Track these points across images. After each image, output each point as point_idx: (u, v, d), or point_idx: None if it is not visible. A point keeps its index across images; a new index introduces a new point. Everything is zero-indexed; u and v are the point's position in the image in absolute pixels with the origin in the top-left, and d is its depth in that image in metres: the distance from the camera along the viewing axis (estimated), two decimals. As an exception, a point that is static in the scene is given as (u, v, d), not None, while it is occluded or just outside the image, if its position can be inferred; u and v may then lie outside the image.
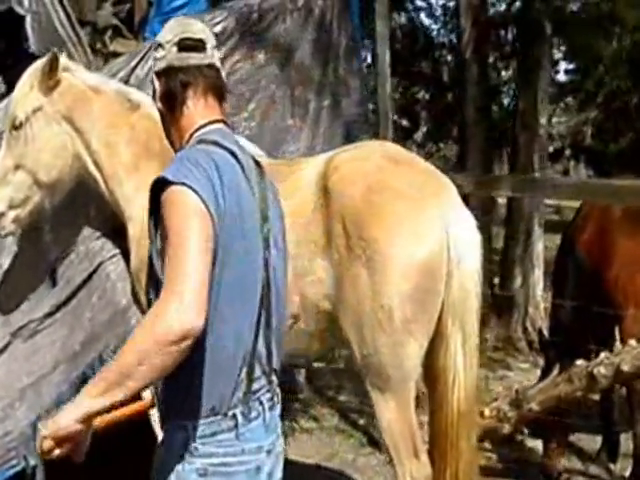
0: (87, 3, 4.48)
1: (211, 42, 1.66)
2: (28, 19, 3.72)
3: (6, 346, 2.91)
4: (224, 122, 1.67)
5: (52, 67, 2.67)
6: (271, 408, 1.60)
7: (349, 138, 3.77)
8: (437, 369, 2.41)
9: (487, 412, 3.82)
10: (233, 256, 1.48)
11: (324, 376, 5.58)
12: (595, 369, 3.42)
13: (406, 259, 2.30)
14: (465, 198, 6.37)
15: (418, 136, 13.34)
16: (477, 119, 6.83)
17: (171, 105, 1.63)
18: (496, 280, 7.36)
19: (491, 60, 9.63)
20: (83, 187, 2.93)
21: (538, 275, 6.86)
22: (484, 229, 7.07)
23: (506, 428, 3.79)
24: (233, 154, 1.57)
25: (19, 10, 3.72)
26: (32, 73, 2.70)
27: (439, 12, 11.05)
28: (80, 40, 3.88)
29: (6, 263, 3.04)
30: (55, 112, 2.71)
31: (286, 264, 1.71)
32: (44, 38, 3.74)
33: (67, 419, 1.36)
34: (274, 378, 1.64)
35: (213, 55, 1.66)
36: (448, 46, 10.90)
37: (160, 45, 1.64)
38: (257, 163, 1.69)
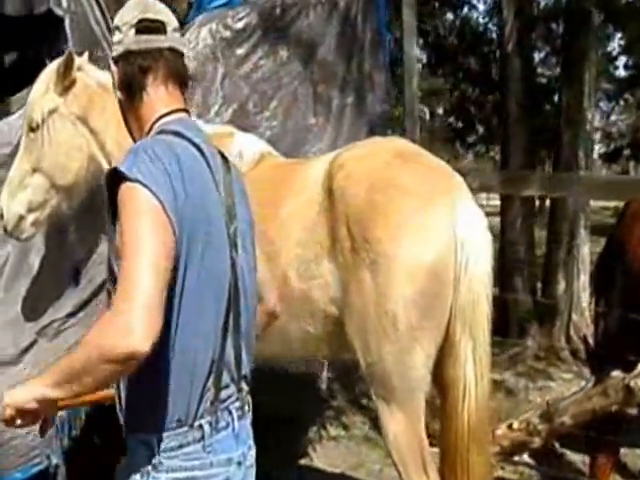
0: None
1: (173, 24, 1.54)
2: (67, 20, 3.75)
3: (32, 345, 2.91)
4: (186, 111, 1.56)
5: (67, 67, 2.64)
6: (241, 417, 1.51)
7: (373, 136, 3.64)
8: (447, 379, 2.26)
9: (516, 425, 3.66)
10: (196, 256, 1.39)
11: (360, 383, 5.47)
12: (632, 381, 3.21)
13: (411, 262, 2.16)
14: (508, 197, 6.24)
15: (471, 137, 13.04)
16: (520, 117, 6.57)
17: (129, 92, 1.52)
18: (538, 285, 7.09)
19: (536, 55, 9.27)
20: (100, 189, 2.91)
21: (584, 280, 6.56)
22: (526, 231, 6.90)
23: (536, 442, 3.61)
24: (197, 146, 1.46)
25: (58, 11, 3.74)
26: (48, 74, 2.68)
27: (483, 6, 10.72)
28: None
29: (35, 262, 3.05)
30: (70, 113, 2.69)
31: (254, 264, 1.60)
32: (81, 38, 3.77)
33: (25, 395, 1.34)
34: (244, 385, 1.55)
35: (175, 38, 1.54)
36: (496, 41, 10.58)
37: (117, 28, 1.53)
38: (223, 157, 1.58)
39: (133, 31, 1.49)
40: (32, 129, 2.61)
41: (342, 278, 2.28)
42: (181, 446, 1.40)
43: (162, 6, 1.57)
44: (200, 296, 1.39)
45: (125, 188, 1.33)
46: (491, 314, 2.27)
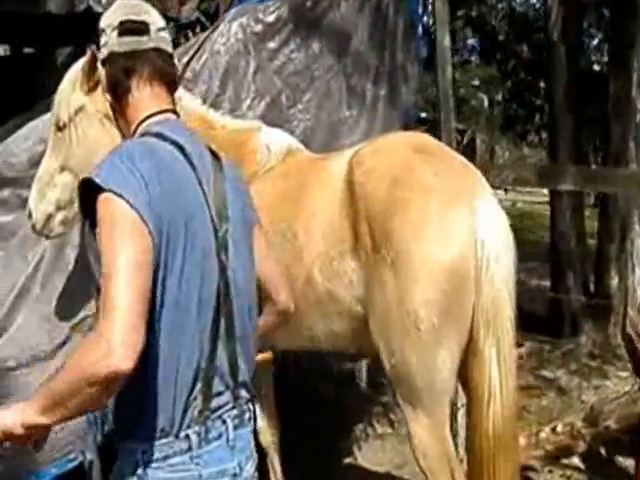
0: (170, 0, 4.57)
1: (157, 24, 1.52)
2: None
3: (66, 341, 2.98)
4: (174, 112, 1.54)
5: (91, 66, 2.67)
6: (238, 426, 1.46)
7: (407, 128, 3.57)
8: (471, 381, 2.18)
9: (560, 428, 3.52)
10: (177, 261, 1.35)
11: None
12: (680, 385, 3.03)
13: (432, 261, 2.10)
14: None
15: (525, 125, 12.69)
16: (568, 106, 6.33)
17: (116, 95, 1.52)
18: (592, 279, 6.83)
19: (588, 42, 8.92)
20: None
21: (639, 275, 6.26)
22: (577, 223, 6.65)
23: (581, 446, 3.46)
24: (179, 147, 1.43)
25: (97, 8, 3.83)
26: (73, 74, 2.71)
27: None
28: None
29: (71, 258, 3.12)
30: (97, 111, 2.67)
31: (251, 266, 1.56)
32: None
33: (12, 421, 1.30)
34: (244, 393, 1.50)
35: (160, 38, 1.52)
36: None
37: (103, 30, 1.53)
38: (215, 155, 1.55)
39: (116, 33, 1.49)
40: (59, 128, 2.64)
41: (365, 276, 2.24)
42: (166, 457, 1.35)
43: (147, 6, 1.56)
44: (182, 301, 1.36)
45: (101, 199, 1.31)
46: (514, 313, 2.17)
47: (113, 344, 1.19)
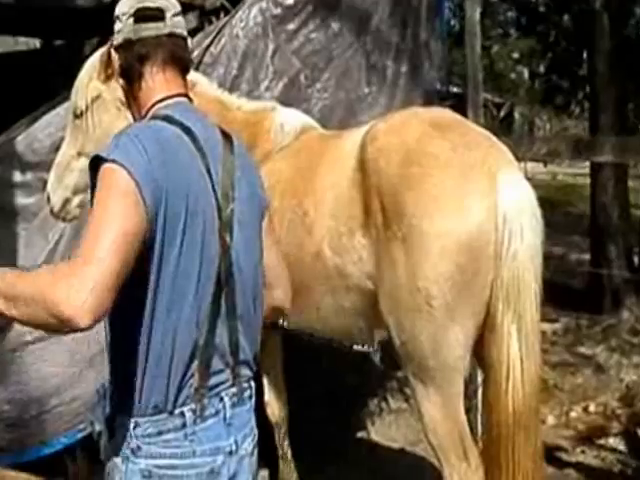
0: None
1: (172, 10, 1.54)
2: None
3: None
4: (186, 95, 1.55)
5: (109, 56, 2.70)
6: (236, 404, 1.46)
7: (430, 104, 3.50)
8: (490, 359, 2.12)
9: (593, 407, 3.44)
10: (176, 239, 1.36)
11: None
12: None
13: (446, 237, 2.04)
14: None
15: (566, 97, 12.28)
16: (609, 76, 6.09)
17: (129, 80, 1.54)
18: (635, 251, 6.61)
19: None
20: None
21: (683, 248, 6.04)
22: (620, 195, 6.42)
23: (615, 427, 3.37)
24: (186, 129, 1.44)
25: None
26: (91, 64, 2.75)
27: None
28: None
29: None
30: (114, 99, 2.72)
31: (258, 247, 1.56)
32: None
33: None
34: (245, 371, 1.50)
35: (175, 24, 1.53)
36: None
37: (117, 18, 1.55)
38: (227, 138, 1.56)
39: (132, 20, 1.51)
40: (77, 116, 2.70)
41: (375, 253, 2.21)
42: (160, 433, 1.37)
43: None
44: (180, 278, 1.36)
45: (103, 169, 1.33)
46: (540, 290, 2.10)
47: (84, 291, 1.18)
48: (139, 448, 1.37)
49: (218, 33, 3.56)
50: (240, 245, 1.48)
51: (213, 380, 1.42)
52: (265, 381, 3.01)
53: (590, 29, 6.49)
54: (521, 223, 2.05)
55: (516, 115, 26.26)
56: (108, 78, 2.70)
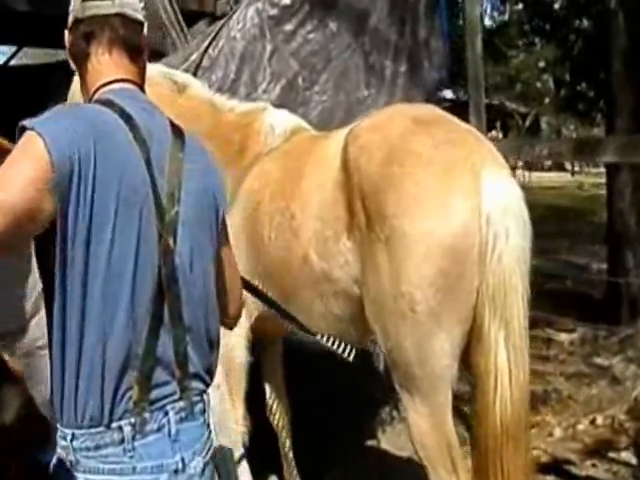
0: None
1: None
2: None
3: None
4: (132, 82, 1.45)
5: None
6: (184, 419, 1.36)
7: (430, 103, 3.42)
8: (477, 369, 2.00)
9: (600, 420, 3.30)
10: (105, 239, 1.25)
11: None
12: None
13: (429, 239, 1.94)
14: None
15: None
16: (625, 76, 5.94)
17: (77, 61, 1.46)
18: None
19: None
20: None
21: None
22: (638, 203, 6.24)
23: (623, 441, 3.22)
24: (127, 116, 1.34)
25: None
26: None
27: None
28: (181, 26, 3.99)
29: None
30: None
31: (211, 253, 1.45)
32: (151, 27, 3.90)
33: None
34: (195, 384, 1.39)
35: (126, 3, 1.44)
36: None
37: None
38: (178, 133, 1.45)
39: None
40: None
41: (361, 256, 2.12)
42: (98, 447, 1.28)
43: None
44: (111, 284, 1.27)
45: (23, 137, 1.25)
46: (528, 294, 1.98)
47: None
48: (77, 462, 1.29)
49: (216, 36, 3.54)
50: (186, 250, 1.37)
51: (156, 393, 1.32)
52: (267, 386, 2.97)
53: (606, 29, 6.36)
54: (506, 224, 1.93)
55: (543, 124, 26.01)
56: None
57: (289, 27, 3.55)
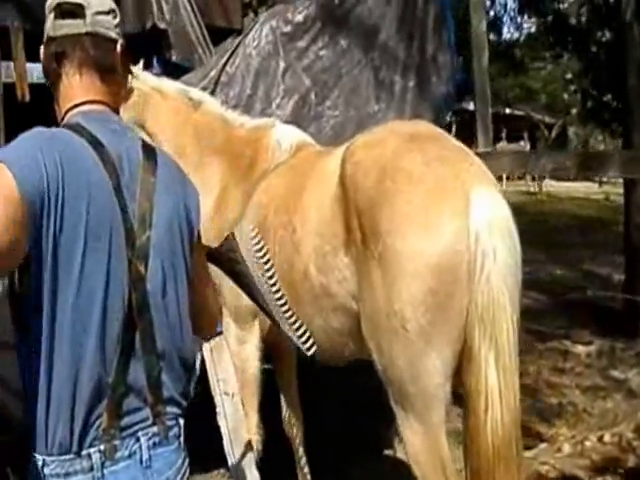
0: (235, 13, 4.78)
1: (96, 7, 1.41)
2: (170, 32, 4.06)
3: None
4: (103, 103, 1.42)
5: None
6: (158, 445, 1.35)
7: (437, 119, 3.51)
8: (468, 388, 2.01)
9: (608, 437, 3.29)
10: (74, 265, 1.24)
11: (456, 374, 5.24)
12: None
13: (418, 257, 1.96)
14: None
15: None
16: (641, 88, 5.94)
17: (50, 81, 1.43)
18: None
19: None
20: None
21: None
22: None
23: (631, 460, 3.22)
24: (95, 141, 1.32)
25: (161, 25, 4.07)
26: None
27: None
28: (207, 43, 4.15)
29: None
30: (129, 118, 2.79)
31: (185, 277, 1.42)
32: (180, 45, 4.07)
33: None
34: (169, 409, 1.38)
35: (98, 22, 1.40)
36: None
37: (47, 14, 1.44)
38: (149, 153, 1.41)
39: (52, 16, 1.41)
40: None
41: (357, 272, 2.16)
42: (68, 474, 1.27)
43: None
44: (80, 313, 1.26)
45: None
46: (518, 313, 1.98)
47: None
48: None
49: (233, 53, 3.68)
50: (158, 275, 1.35)
51: (127, 420, 1.32)
52: (282, 397, 3.03)
53: (622, 40, 6.36)
54: (494, 243, 1.94)
55: (570, 135, 25.79)
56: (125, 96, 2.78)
57: (302, 44, 3.68)
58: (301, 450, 3.06)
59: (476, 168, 2.10)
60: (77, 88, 1.41)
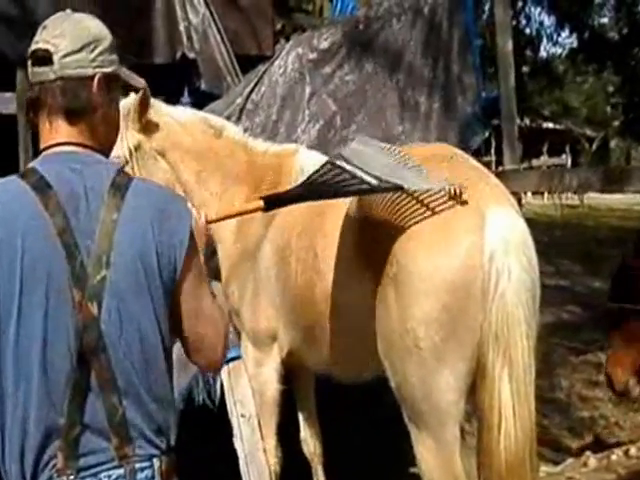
0: (266, 40, 4.89)
1: (65, 49, 1.39)
2: (199, 61, 4.18)
3: None
4: (71, 143, 1.42)
5: (143, 105, 2.76)
6: None
7: (463, 139, 3.53)
8: (481, 407, 1.99)
9: (634, 451, 3.22)
10: (12, 312, 1.28)
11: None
12: None
13: (431, 276, 1.96)
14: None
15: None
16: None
17: (34, 125, 1.46)
18: None
19: None
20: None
21: None
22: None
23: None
24: (43, 185, 1.33)
25: (191, 55, 4.20)
26: (125, 113, 2.74)
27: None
28: (236, 71, 4.24)
29: None
30: (151, 149, 2.86)
31: (159, 308, 1.38)
32: (210, 75, 4.19)
33: None
34: (139, 450, 1.34)
35: (65, 65, 1.40)
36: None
37: None
38: (120, 187, 1.38)
39: (30, 62, 1.43)
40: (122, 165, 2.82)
41: (373, 293, 2.16)
42: None
43: (66, 24, 1.43)
44: (20, 362, 1.29)
45: None
46: (535, 330, 1.97)
47: None
48: None
49: (259, 81, 3.77)
50: (114, 315, 1.33)
51: (86, 460, 1.31)
52: (300, 416, 3.03)
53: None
54: (508, 262, 1.93)
55: (612, 148, 25.34)
56: (143, 128, 2.80)
57: (327, 70, 3.74)
58: (320, 470, 3.04)
59: (493, 188, 2.10)
60: (47, 133, 1.43)
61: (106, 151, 1.50)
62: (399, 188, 2.01)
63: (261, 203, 2.18)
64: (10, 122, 3.80)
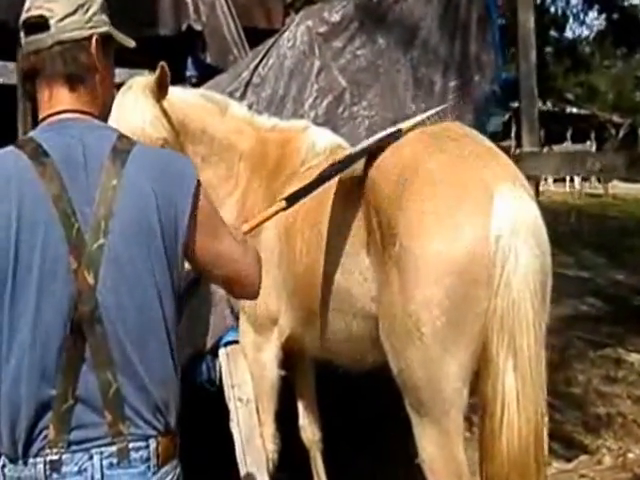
0: (276, 14, 4.73)
1: (61, 12, 1.36)
2: (206, 33, 4.04)
3: None
4: (71, 110, 1.39)
5: (162, 82, 2.62)
6: (115, 465, 1.29)
7: (480, 120, 3.34)
8: (483, 397, 1.89)
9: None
10: (6, 289, 1.26)
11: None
12: None
13: (435, 259, 1.87)
14: None
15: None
16: None
17: (30, 95, 1.42)
18: None
19: None
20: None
21: None
22: None
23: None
24: (40, 153, 1.30)
25: (197, 27, 4.06)
26: (141, 92, 2.62)
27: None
28: (244, 45, 4.09)
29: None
30: (157, 139, 2.61)
31: (161, 275, 1.34)
32: (216, 47, 4.04)
33: None
34: (133, 429, 1.31)
35: (62, 28, 1.36)
36: None
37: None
38: (120, 154, 1.34)
39: (23, 32, 1.39)
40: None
41: (376, 275, 2.09)
42: (19, 479, 1.30)
43: None
44: (12, 324, 1.27)
45: None
46: (543, 320, 1.87)
47: None
48: None
49: (266, 54, 3.60)
50: (112, 284, 1.29)
51: (77, 434, 1.29)
52: (299, 405, 2.97)
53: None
54: (516, 244, 1.82)
55: (640, 135, 24.80)
56: (160, 98, 2.65)
57: (338, 44, 3.56)
58: (319, 458, 2.97)
59: (503, 167, 1.99)
60: (46, 102, 1.40)
61: (103, 117, 1.48)
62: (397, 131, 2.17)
63: (283, 204, 2.23)
64: (13, 93, 3.71)
